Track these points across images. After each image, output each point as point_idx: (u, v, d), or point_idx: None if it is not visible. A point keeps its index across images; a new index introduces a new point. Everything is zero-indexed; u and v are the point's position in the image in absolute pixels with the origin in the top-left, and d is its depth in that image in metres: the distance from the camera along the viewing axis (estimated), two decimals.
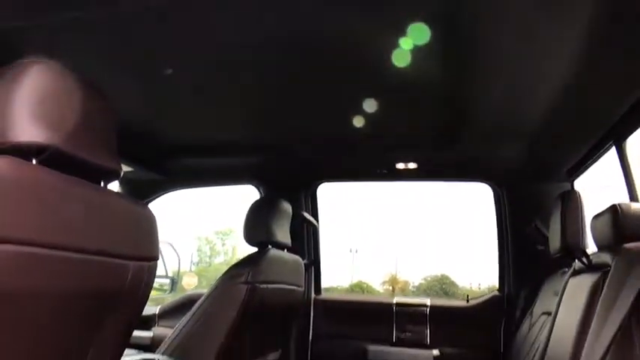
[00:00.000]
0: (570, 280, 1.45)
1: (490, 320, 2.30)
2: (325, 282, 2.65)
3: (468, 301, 2.41)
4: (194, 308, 1.74)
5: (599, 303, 1.06)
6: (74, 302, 0.95)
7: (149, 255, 1.14)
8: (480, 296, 2.42)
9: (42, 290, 0.86)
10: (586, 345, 1.04)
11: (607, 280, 1.08)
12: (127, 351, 1.53)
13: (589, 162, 1.90)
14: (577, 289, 1.32)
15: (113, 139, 1.04)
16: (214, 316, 1.69)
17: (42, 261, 0.84)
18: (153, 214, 1.17)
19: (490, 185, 2.38)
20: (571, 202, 1.57)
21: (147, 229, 1.13)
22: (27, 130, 0.85)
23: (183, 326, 1.72)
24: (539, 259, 2.07)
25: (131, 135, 1.87)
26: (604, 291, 1.06)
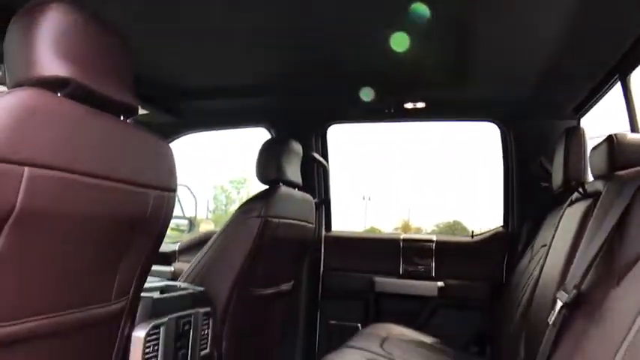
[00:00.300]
0: (567, 210, 1.51)
1: (493, 254, 2.39)
2: (337, 228, 2.73)
3: (472, 236, 2.50)
4: (211, 241, 1.85)
5: (588, 227, 1.12)
6: (103, 225, 1.04)
7: (168, 186, 1.22)
8: (485, 232, 2.50)
9: (75, 212, 0.95)
10: (572, 267, 1.11)
11: (597, 205, 1.14)
12: (150, 279, 1.66)
13: (595, 99, 1.92)
14: (571, 217, 1.38)
15: (130, 75, 1.10)
16: (230, 248, 1.79)
17: (72, 186, 0.92)
18: (170, 148, 1.24)
19: (497, 124, 2.41)
20: (575, 137, 1.61)
21: (166, 162, 1.21)
22: (49, 64, 0.91)
23: (202, 257, 1.83)
24: (543, 195, 2.12)
25: (144, 77, 1.93)
26: (593, 215, 1.12)
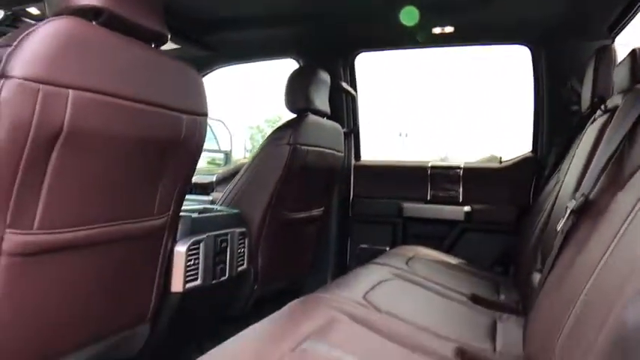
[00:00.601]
0: (589, 127, 1.52)
1: (521, 179, 2.40)
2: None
3: (500, 162, 2.51)
4: (244, 168, 1.95)
5: (604, 138, 1.14)
6: (140, 146, 1.14)
7: (199, 111, 1.30)
8: (514, 158, 2.51)
9: (114, 133, 1.05)
10: (585, 178, 1.13)
11: (614, 117, 1.15)
12: (189, 203, 1.78)
13: (630, 14, 1.84)
14: (591, 133, 1.39)
15: (160, 3, 1.16)
16: (262, 174, 1.89)
17: (111, 108, 1.02)
18: (198, 74, 1.31)
19: (528, 47, 2.35)
20: (605, 55, 1.58)
21: (195, 87, 1.28)
22: None
23: (236, 183, 1.95)
24: (573, 119, 2.10)
25: (173, 10, 1.97)
26: (609, 127, 1.14)
